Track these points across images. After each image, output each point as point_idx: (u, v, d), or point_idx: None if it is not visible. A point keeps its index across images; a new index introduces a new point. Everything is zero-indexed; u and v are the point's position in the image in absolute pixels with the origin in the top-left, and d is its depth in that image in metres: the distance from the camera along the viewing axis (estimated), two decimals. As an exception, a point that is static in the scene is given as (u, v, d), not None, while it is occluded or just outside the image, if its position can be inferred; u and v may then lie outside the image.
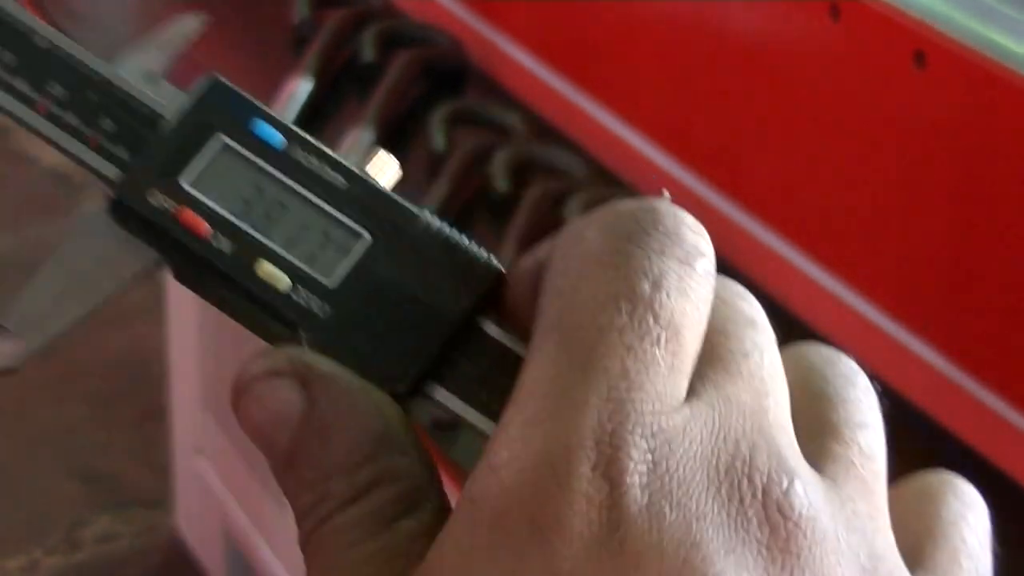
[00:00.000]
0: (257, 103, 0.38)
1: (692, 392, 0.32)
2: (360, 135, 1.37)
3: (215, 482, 1.88)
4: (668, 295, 0.32)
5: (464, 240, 0.37)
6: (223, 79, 0.38)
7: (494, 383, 0.36)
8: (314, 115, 1.42)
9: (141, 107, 0.38)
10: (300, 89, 1.40)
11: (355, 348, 0.36)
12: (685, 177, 1.30)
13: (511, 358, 0.36)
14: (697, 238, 0.33)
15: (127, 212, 0.37)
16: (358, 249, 0.37)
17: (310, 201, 0.37)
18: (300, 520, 0.35)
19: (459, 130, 1.41)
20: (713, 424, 0.31)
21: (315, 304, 0.36)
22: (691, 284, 0.33)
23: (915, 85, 1.06)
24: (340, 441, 0.34)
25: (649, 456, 0.30)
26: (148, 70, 0.39)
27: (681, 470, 0.30)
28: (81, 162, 0.38)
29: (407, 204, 0.37)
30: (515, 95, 1.46)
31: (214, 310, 0.39)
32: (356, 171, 0.38)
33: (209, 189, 0.37)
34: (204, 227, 0.36)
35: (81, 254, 0.38)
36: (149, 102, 0.38)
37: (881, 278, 1.13)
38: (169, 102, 0.39)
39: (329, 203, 0.37)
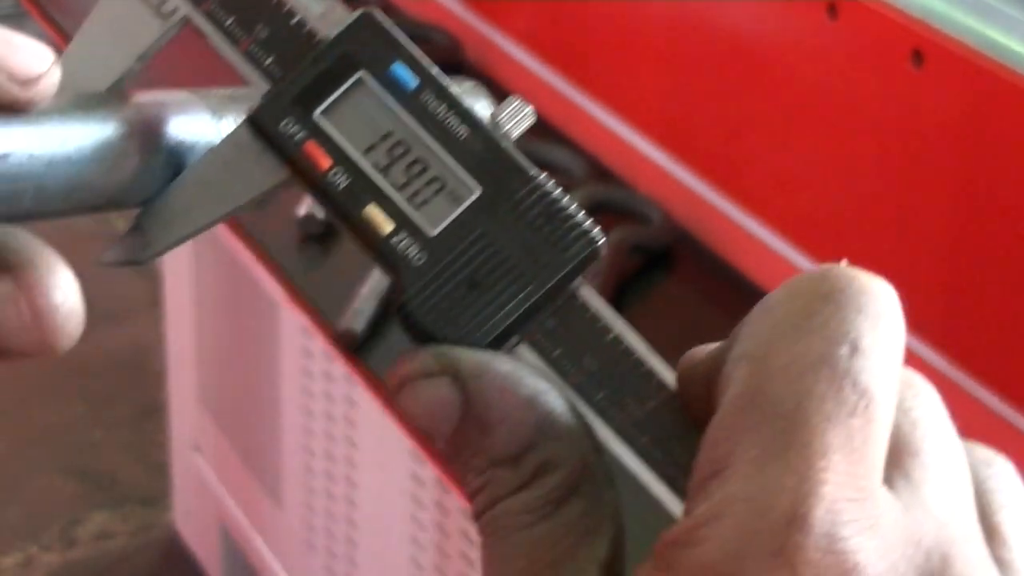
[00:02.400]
0: (402, 41, 0.39)
1: (887, 480, 0.31)
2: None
3: (212, 479, 1.88)
4: (865, 358, 0.31)
5: (571, 207, 0.38)
6: (376, 14, 0.39)
7: (576, 349, 0.37)
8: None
9: (299, 24, 0.39)
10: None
11: (442, 297, 0.37)
12: (684, 176, 1.30)
13: (598, 327, 0.37)
14: (889, 296, 0.33)
15: (261, 131, 0.38)
16: (465, 201, 0.38)
17: (430, 147, 0.38)
18: (470, 498, 0.37)
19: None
20: (907, 527, 0.30)
21: (412, 251, 0.37)
22: (887, 346, 0.32)
23: (913, 84, 1.06)
24: (500, 433, 0.35)
25: (837, 546, 0.29)
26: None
27: (866, 569, 0.29)
28: (231, 63, 0.39)
29: (522, 162, 0.39)
30: (513, 93, 1.45)
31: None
32: (480, 122, 0.39)
33: (339, 124, 0.38)
34: (326, 162, 0.37)
35: (219, 163, 0.39)
36: (308, 20, 0.39)
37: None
38: (330, 23, 0.39)
39: (448, 151, 0.38)
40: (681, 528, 0.32)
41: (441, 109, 0.38)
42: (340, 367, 1.45)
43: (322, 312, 1.47)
